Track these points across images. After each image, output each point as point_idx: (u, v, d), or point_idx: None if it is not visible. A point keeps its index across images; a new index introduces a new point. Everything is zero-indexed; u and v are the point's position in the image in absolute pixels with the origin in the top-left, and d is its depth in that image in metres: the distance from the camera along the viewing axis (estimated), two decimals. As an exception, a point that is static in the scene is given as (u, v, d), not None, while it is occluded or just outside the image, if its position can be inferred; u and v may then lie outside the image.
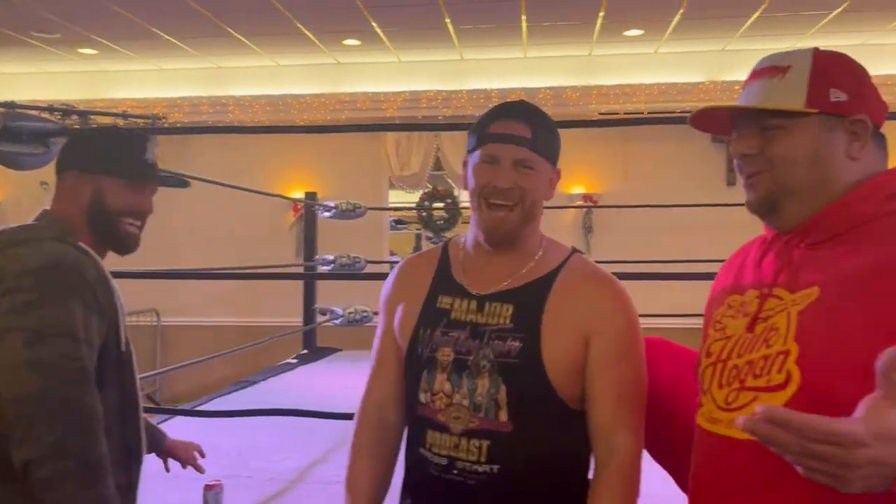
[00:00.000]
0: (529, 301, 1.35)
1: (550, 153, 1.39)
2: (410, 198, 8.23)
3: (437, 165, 7.79)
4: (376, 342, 1.49)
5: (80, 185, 1.52)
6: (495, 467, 1.29)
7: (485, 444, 1.29)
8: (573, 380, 1.32)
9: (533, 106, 1.41)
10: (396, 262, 1.58)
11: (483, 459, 1.29)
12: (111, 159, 1.55)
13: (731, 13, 6.06)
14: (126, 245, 1.61)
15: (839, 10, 5.89)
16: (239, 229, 7.51)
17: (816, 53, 1.07)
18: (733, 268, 1.20)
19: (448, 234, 8.23)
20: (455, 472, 1.30)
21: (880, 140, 1.08)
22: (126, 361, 1.48)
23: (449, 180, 7.84)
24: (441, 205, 7.91)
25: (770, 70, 1.08)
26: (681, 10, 5.95)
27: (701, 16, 6.08)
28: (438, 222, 7.91)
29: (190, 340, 7.69)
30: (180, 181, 1.77)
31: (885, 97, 1.09)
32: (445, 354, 1.33)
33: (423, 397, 1.34)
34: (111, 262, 1.74)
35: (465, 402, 1.30)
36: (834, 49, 1.10)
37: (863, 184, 1.04)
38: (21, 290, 1.34)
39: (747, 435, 0.81)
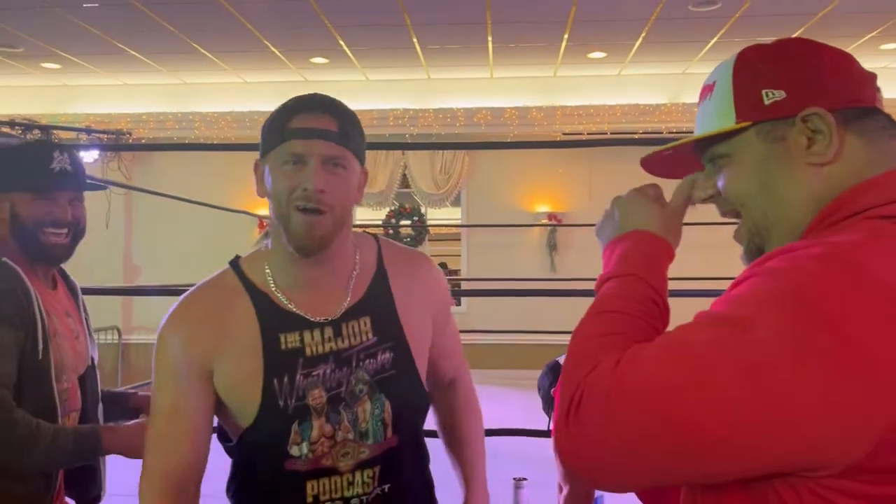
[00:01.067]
0: (380, 305, 1.25)
1: (359, 150, 1.21)
2: (377, 215, 8.25)
3: (404, 183, 7.83)
4: (163, 414, 1.19)
5: (1, 205, 1.60)
6: (386, 486, 1.22)
7: (377, 469, 1.21)
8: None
9: (334, 98, 1.21)
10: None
11: (377, 484, 1.21)
12: (17, 175, 1.60)
13: (690, 38, 6.23)
14: (51, 254, 1.63)
15: (795, 35, 6.09)
16: (204, 246, 7.45)
17: (739, 55, 0.88)
18: None
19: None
20: None
21: (872, 122, 0.80)
22: (43, 371, 1.52)
23: (416, 198, 7.87)
24: (408, 222, 7.94)
25: (702, 92, 0.91)
26: (642, 34, 6.10)
27: (662, 40, 6.24)
28: (405, 240, 7.94)
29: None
30: (96, 185, 1.78)
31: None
32: (317, 398, 1.17)
33: (296, 450, 1.16)
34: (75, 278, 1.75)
35: (350, 436, 1.18)
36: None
37: (831, 201, 0.77)
38: None
39: None
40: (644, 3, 5.43)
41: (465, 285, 7.80)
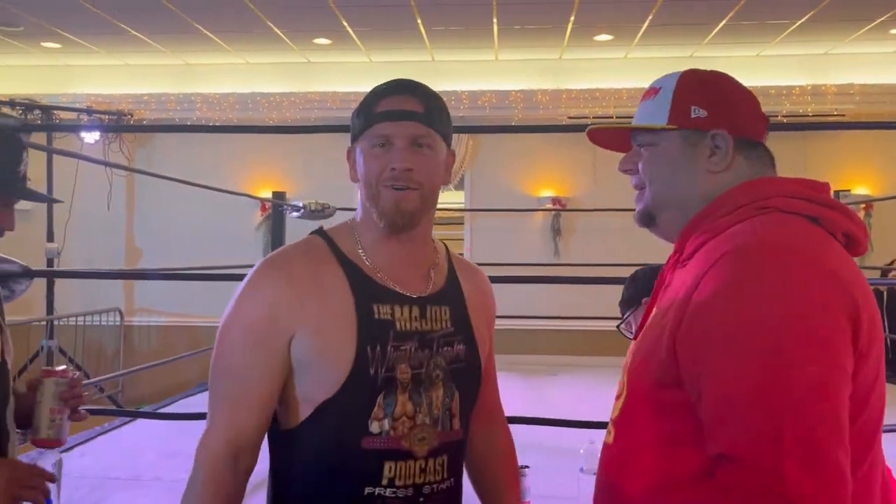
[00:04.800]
0: (457, 299, 1.29)
1: (445, 131, 1.26)
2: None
3: (407, 166, 7.77)
4: (233, 374, 1.17)
5: None
6: (452, 479, 1.24)
7: (445, 458, 1.22)
8: None
9: (419, 82, 1.27)
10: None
11: (445, 475, 1.22)
12: None
13: (698, 20, 6.14)
14: None
15: (804, 19, 6.00)
16: (205, 228, 7.42)
17: (682, 74, 1.13)
18: None
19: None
20: (421, 499, 1.20)
21: (755, 153, 1.09)
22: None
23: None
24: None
25: (647, 92, 1.16)
26: (650, 17, 6.02)
27: (670, 22, 6.16)
28: (408, 223, 7.90)
29: (155, 341, 7.58)
30: (49, 198, 1.69)
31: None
32: (404, 372, 1.18)
33: (376, 426, 1.16)
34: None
35: (428, 420, 1.19)
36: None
37: (716, 197, 1.05)
38: None
39: (610, 440, 1.08)
40: (652, -15, 5.36)
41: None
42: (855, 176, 7.08)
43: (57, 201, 1.76)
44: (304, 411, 1.18)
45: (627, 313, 1.93)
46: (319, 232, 1.27)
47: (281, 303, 1.17)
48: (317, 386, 1.17)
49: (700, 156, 1.07)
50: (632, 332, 1.91)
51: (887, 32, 6.32)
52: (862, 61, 6.93)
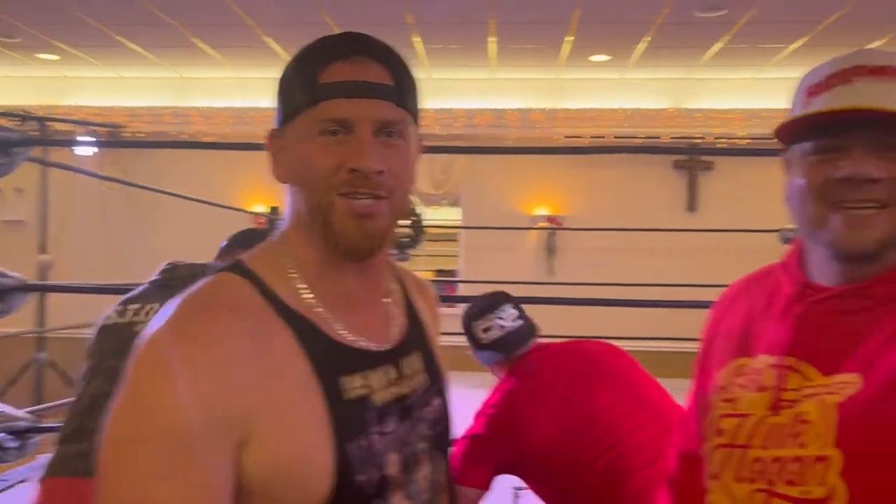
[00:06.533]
0: (422, 336, 0.95)
1: (417, 112, 0.92)
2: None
3: (403, 183, 7.76)
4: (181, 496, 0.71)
5: None
6: None
7: None
8: None
9: (377, 39, 0.91)
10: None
11: None
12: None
13: (694, 43, 6.18)
14: None
15: (798, 43, 6.04)
16: (198, 243, 7.37)
17: None
18: (737, 314, 0.95)
19: (411, 252, 8.19)
20: None
21: None
22: None
23: (413, 197, 7.81)
24: (405, 222, 7.88)
25: (883, 70, 0.86)
26: (646, 38, 6.05)
27: (666, 44, 6.19)
28: (403, 240, 7.87)
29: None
30: None
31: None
32: (394, 464, 0.83)
33: None
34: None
35: None
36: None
37: None
38: None
39: None
40: (649, 7, 5.38)
41: (461, 287, 7.74)
42: None
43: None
44: None
45: None
46: (236, 267, 0.84)
47: (219, 397, 0.73)
48: None
49: None
50: None
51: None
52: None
